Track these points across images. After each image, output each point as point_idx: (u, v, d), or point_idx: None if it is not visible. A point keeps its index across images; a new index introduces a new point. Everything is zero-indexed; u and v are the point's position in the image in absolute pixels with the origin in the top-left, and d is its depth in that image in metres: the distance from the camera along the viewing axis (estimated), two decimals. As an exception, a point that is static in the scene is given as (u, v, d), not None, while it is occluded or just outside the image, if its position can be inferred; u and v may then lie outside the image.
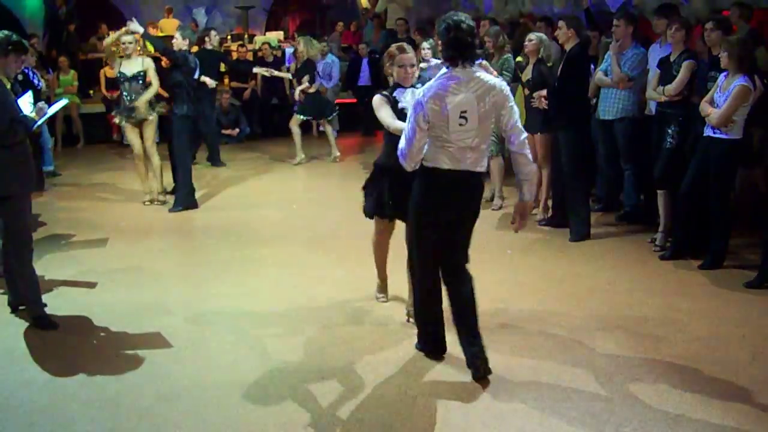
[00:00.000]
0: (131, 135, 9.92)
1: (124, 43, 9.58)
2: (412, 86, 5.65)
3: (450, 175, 4.88)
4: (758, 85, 6.89)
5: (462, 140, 4.81)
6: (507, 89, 4.93)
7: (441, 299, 5.26)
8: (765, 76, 7.37)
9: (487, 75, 4.94)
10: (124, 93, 9.75)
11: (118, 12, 19.73)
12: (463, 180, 4.91)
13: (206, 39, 12.22)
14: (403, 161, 4.96)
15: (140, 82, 9.68)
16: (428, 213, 5.03)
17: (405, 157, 4.92)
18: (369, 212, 5.98)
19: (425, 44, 9.99)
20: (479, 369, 5.00)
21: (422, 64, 9.13)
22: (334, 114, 13.41)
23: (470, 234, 5.15)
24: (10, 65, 6.01)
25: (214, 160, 12.84)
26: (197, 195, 10.12)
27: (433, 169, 4.91)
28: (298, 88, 12.68)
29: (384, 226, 6.06)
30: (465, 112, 4.77)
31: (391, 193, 5.70)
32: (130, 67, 9.70)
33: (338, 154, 13.09)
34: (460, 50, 4.79)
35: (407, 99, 5.58)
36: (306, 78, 12.57)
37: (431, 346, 5.39)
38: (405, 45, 5.78)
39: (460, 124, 4.78)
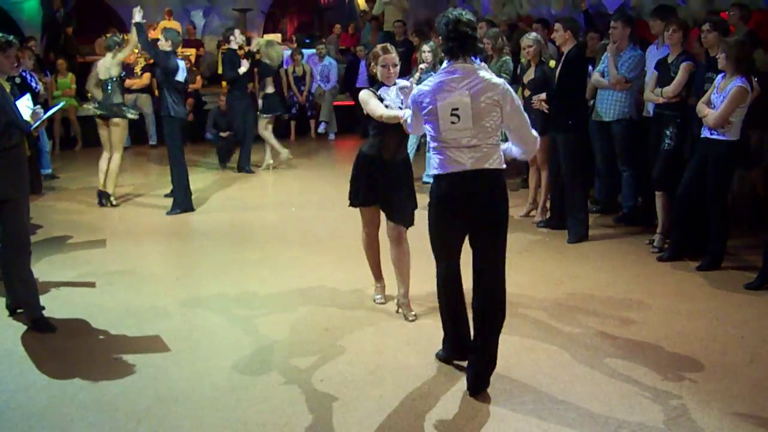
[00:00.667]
0: (102, 132, 10.20)
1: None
2: (396, 85, 5.92)
3: (452, 177, 4.75)
4: (755, 87, 6.90)
5: (456, 140, 4.69)
6: (510, 90, 4.77)
7: (459, 301, 5.11)
8: (763, 77, 7.38)
9: (490, 74, 4.87)
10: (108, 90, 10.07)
11: (116, 15, 19.73)
12: (464, 180, 4.72)
13: (231, 38, 12.24)
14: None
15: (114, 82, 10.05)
16: (439, 217, 4.91)
17: (410, 132, 5.44)
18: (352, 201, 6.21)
19: (425, 47, 9.97)
20: (474, 391, 4.90)
21: (422, 65, 9.15)
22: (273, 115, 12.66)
23: (495, 246, 4.83)
24: (2, 63, 5.99)
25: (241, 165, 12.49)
26: (193, 197, 10.13)
27: (438, 176, 4.84)
28: (263, 92, 12.48)
29: (368, 217, 6.20)
30: (456, 110, 4.66)
31: (369, 182, 5.99)
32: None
33: (270, 162, 12.64)
34: (459, 41, 4.72)
35: (391, 96, 5.86)
36: (269, 80, 12.45)
37: (450, 350, 5.26)
38: (389, 46, 6.03)
39: (452, 122, 4.67)
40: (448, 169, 4.75)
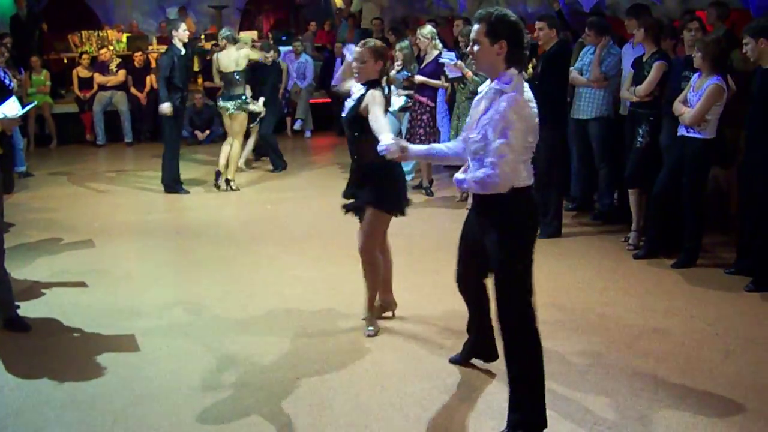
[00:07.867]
0: (225, 120, 10.86)
1: None
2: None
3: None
4: (731, 85, 6.95)
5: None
6: None
7: None
8: (741, 76, 7.42)
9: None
10: None
11: (91, 12, 19.61)
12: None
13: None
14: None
15: None
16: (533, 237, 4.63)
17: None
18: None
19: (398, 46, 10.00)
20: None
21: (396, 64, 9.08)
22: None
23: None
24: None
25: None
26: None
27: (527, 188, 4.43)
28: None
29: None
30: None
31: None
32: None
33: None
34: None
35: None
36: None
37: None
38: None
39: None
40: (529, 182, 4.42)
